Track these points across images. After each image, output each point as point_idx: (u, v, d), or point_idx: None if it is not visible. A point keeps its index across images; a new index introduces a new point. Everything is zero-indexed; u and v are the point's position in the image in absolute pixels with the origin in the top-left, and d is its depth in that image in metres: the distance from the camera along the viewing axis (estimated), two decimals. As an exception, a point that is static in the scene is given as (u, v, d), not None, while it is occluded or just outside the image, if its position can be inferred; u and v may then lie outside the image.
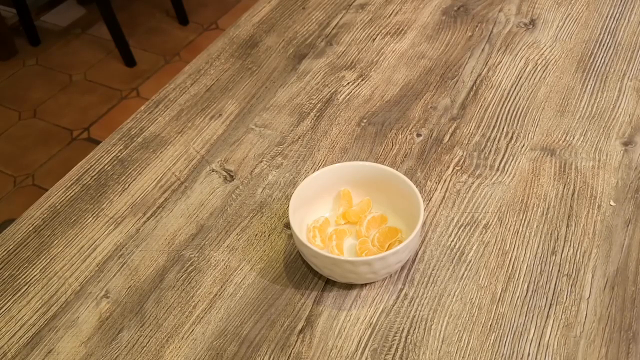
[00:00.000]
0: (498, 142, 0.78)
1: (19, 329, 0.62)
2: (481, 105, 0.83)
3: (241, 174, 0.76)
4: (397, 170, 0.66)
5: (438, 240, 0.67)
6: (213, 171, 0.77)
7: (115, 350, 0.60)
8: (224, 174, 0.76)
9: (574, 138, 0.78)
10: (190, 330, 0.61)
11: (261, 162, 0.77)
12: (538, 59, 0.89)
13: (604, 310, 0.60)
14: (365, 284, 0.63)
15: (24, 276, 0.67)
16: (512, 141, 0.78)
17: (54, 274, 0.67)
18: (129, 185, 0.76)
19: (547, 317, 0.60)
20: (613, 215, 0.68)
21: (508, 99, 0.84)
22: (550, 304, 0.61)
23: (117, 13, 2.24)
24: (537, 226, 0.68)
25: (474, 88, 0.86)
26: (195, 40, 2.45)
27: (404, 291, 0.63)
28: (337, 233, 0.66)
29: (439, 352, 0.58)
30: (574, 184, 0.72)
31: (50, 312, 0.63)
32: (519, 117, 0.81)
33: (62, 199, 0.74)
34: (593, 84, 0.85)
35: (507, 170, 0.74)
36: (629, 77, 0.85)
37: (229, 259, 0.67)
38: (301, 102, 0.85)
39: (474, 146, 0.77)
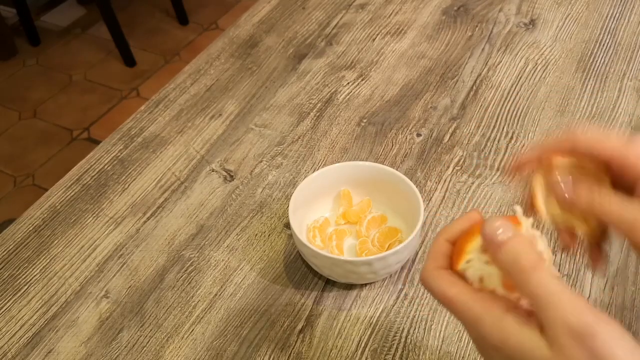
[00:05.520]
0: (498, 142, 0.78)
1: (19, 329, 0.62)
2: (481, 105, 0.83)
3: (241, 174, 0.76)
4: (397, 170, 0.66)
5: (438, 240, 0.67)
6: (213, 171, 0.77)
7: (115, 350, 0.60)
8: (224, 174, 0.76)
9: (574, 138, 0.78)
10: (190, 330, 0.61)
11: (261, 162, 0.77)
12: (538, 59, 0.89)
13: (603, 310, 0.60)
14: (365, 284, 0.63)
15: (24, 276, 0.67)
16: (512, 141, 0.78)
17: (54, 274, 0.67)
18: (129, 185, 0.76)
19: (547, 317, 0.60)
20: (613, 215, 0.68)
21: (508, 99, 0.84)
22: (550, 304, 0.61)
23: (117, 13, 2.24)
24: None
25: (474, 88, 0.86)
26: (195, 40, 2.45)
27: (404, 291, 0.63)
28: (337, 233, 0.66)
29: (439, 352, 0.58)
30: (574, 184, 0.72)
31: (50, 312, 0.63)
32: (519, 117, 0.81)
33: (62, 199, 0.74)
34: (593, 84, 0.85)
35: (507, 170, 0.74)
36: (629, 77, 0.85)
37: (229, 259, 0.67)
38: (301, 102, 0.85)
39: (474, 146, 0.77)
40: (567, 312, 0.30)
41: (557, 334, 0.29)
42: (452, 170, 0.75)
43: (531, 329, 0.31)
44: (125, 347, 0.60)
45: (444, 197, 0.72)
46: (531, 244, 0.34)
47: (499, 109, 0.82)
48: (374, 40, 0.95)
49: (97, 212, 0.73)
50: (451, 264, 0.38)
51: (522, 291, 0.32)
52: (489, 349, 0.33)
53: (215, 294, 0.64)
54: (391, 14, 1.01)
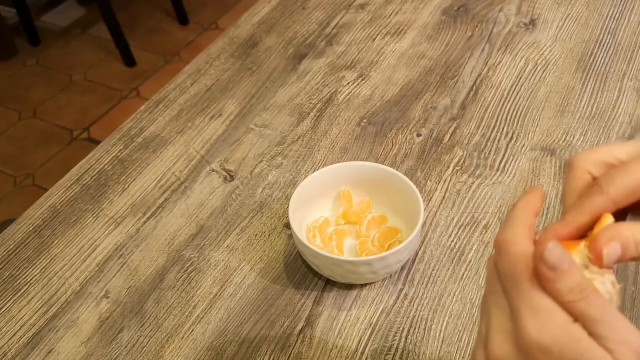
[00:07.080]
0: (498, 142, 0.78)
1: (19, 329, 0.62)
2: (481, 105, 0.83)
3: (241, 174, 0.76)
4: (397, 170, 0.66)
5: (438, 240, 0.67)
6: (213, 171, 0.77)
7: (115, 350, 0.60)
8: (224, 174, 0.76)
9: (574, 138, 0.78)
10: (190, 330, 0.61)
11: (261, 162, 0.77)
12: (538, 59, 0.89)
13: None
14: (365, 284, 0.63)
15: (24, 276, 0.67)
16: (512, 141, 0.78)
17: (54, 274, 0.67)
18: (129, 185, 0.76)
19: (547, 317, 0.60)
20: (613, 215, 0.68)
21: (508, 99, 0.84)
22: (550, 304, 0.61)
23: (117, 13, 2.24)
24: (537, 226, 0.68)
25: (474, 88, 0.86)
26: (195, 40, 2.44)
27: (404, 291, 0.63)
28: (337, 233, 0.66)
29: (439, 352, 0.58)
30: (574, 184, 0.72)
31: (50, 312, 0.63)
32: (519, 117, 0.81)
33: (62, 199, 0.74)
34: (593, 84, 0.85)
35: (507, 170, 0.74)
36: (629, 77, 0.85)
37: (229, 259, 0.67)
38: (301, 102, 0.85)
39: (474, 146, 0.77)
40: (630, 333, 0.31)
41: (624, 354, 0.31)
42: (452, 170, 0.75)
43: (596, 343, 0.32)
44: (125, 347, 0.60)
45: (444, 197, 0.72)
46: (582, 272, 0.34)
47: (499, 109, 0.82)
48: (374, 40, 0.95)
49: (97, 212, 0.73)
50: None
51: (585, 315, 0.32)
52: (536, 350, 0.32)
53: (215, 294, 0.64)
54: (391, 14, 1.01)
